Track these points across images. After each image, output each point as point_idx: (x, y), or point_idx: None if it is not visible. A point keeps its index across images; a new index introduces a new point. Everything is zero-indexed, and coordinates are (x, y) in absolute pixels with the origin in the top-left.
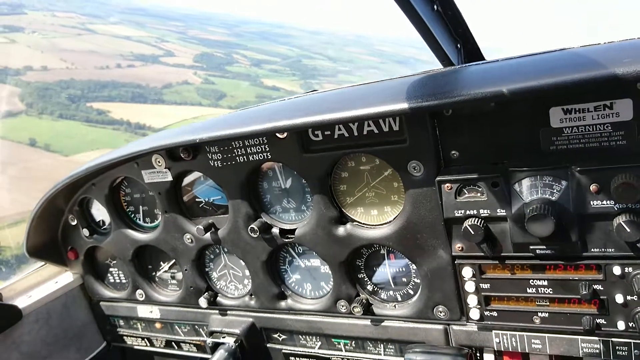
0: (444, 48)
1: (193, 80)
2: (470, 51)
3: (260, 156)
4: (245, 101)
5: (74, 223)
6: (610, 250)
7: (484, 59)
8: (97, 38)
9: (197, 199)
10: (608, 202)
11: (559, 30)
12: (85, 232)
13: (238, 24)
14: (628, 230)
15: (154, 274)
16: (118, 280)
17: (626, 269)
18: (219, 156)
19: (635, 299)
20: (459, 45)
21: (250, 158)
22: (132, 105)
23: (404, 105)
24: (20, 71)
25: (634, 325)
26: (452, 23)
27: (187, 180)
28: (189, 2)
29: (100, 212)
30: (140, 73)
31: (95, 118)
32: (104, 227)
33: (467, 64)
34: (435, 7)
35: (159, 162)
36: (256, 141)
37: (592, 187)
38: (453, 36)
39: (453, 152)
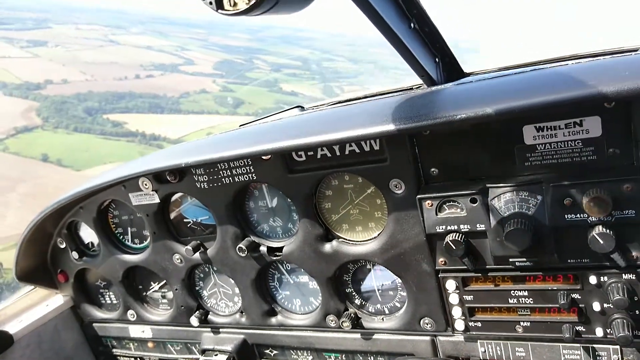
0: (422, 64)
1: (211, 89)
2: (449, 64)
3: (246, 177)
4: (263, 108)
5: (63, 246)
6: (586, 260)
7: (462, 70)
8: (119, 49)
9: (185, 219)
10: (581, 215)
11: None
12: (75, 254)
13: (261, 29)
14: (601, 242)
15: (144, 294)
16: (109, 301)
17: (602, 278)
18: (205, 178)
19: (611, 307)
20: (437, 59)
21: (236, 179)
22: (148, 115)
23: (384, 128)
24: (40, 85)
25: (611, 332)
26: (430, 39)
27: (174, 198)
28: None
29: (88, 234)
30: (158, 83)
31: (110, 130)
32: (93, 249)
33: (444, 84)
34: (412, 25)
35: (145, 184)
36: (241, 163)
37: (566, 201)
38: (431, 51)
39: (433, 169)
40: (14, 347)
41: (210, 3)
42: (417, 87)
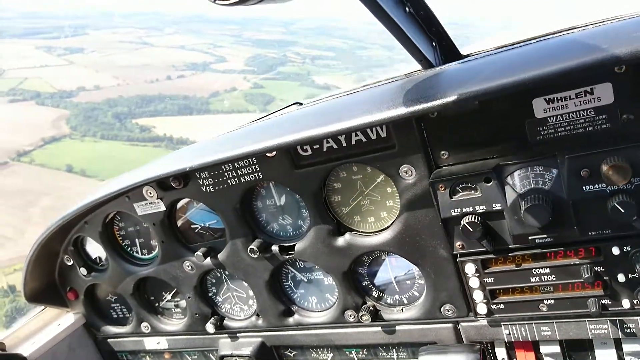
0: (420, 48)
1: (241, 86)
2: (446, 47)
3: (252, 177)
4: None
5: (70, 263)
6: (607, 231)
7: (459, 53)
8: (153, 51)
9: (192, 225)
10: (600, 185)
11: None
12: (83, 271)
13: (294, 21)
14: (622, 211)
15: (157, 304)
16: (121, 315)
17: (625, 247)
18: (210, 181)
19: (637, 277)
20: (434, 43)
21: (242, 180)
22: (177, 118)
23: (391, 113)
24: (73, 93)
25: (638, 302)
26: (426, 23)
27: (179, 205)
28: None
29: (95, 249)
30: (189, 83)
31: (137, 136)
32: (101, 263)
33: (446, 65)
34: (407, 9)
35: (150, 193)
36: (246, 162)
37: (583, 173)
38: (427, 35)
39: (442, 152)
40: None
41: None
42: (415, 73)
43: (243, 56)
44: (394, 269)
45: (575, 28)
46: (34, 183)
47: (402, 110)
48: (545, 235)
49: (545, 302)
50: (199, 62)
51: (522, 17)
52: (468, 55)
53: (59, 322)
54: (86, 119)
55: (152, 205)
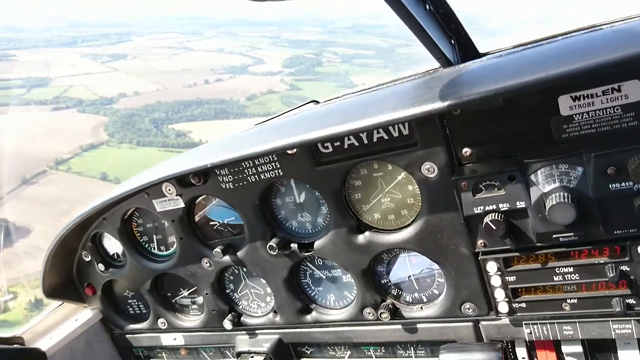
0: (439, 45)
1: (278, 88)
2: (465, 45)
3: (272, 174)
4: None
5: (88, 259)
6: (633, 230)
7: (477, 51)
8: (192, 55)
9: (211, 222)
10: (626, 183)
11: None
12: (101, 266)
13: (333, 20)
14: None
15: (174, 301)
16: (138, 311)
17: None
18: (230, 178)
19: None
20: (452, 41)
21: (262, 176)
22: (214, 122)
23: (415, 110)
24: (113, 99)
25: None
26: (445, 20)
27: (197, 201)
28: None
29: (113, 245)
30: (226, 87)
31: (172, 142)
32: (119, 259)
33: (468, 62)
34: (427, 6)
35: (169, 190)
36: (266, 159)
37: (609, 171)
38: (446, 33)
39: (465, 149)
40: None
41: None
42: (433, 71)
43: (281, 57)
44: (413, 266)
45: (599, 25)
46: (70, 192)
47: (426, 107)
48: (570, 234)
49: (568, 301)
50: (237, 64)
51: (526, 14)
52: (486, 54)
53: (76, 317)
54: (124, 125)
55: (171, 202)
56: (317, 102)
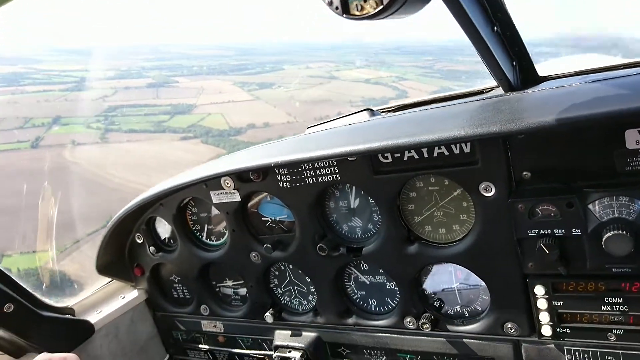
0: (502, 67)
1: None
2: (526, 68)
3: (330, 177)
4: None
5: (141, 241)
6: None
7: (538, 75)
8: (336, 85)
9: (263, 217)
10: None
11: None
12: (152, 249)
13: None
14: None
15: (217, 289)
16: (182, 296)
17: None
18: (288, 178)
19: None
20: (514, 63)
21: (319, 179)
22: None
23: (481, 130)
24: (242, 130)
25: None
26: (510, 43)
27: (253, 199)
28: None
29: (165, 230)
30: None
31: None
32: (169, 244)
33: (533, 86)
34: (495, 28)
35: (227, 183)
36: (326, 163)
37: None
38: (509, 55)
39: (525, 173)
40: (95, 336)
41: (337, 8)
42: (488, 90)
43: (427, 89)
44: (459, 281)
45: None
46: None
47: (494, 128)
48: (624, 265)
49: (614, 331)
50: (377, 97)
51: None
52: (546, 77)
53: (123, 295)
54: None
55: (228, 194)
56: (372, 109)
